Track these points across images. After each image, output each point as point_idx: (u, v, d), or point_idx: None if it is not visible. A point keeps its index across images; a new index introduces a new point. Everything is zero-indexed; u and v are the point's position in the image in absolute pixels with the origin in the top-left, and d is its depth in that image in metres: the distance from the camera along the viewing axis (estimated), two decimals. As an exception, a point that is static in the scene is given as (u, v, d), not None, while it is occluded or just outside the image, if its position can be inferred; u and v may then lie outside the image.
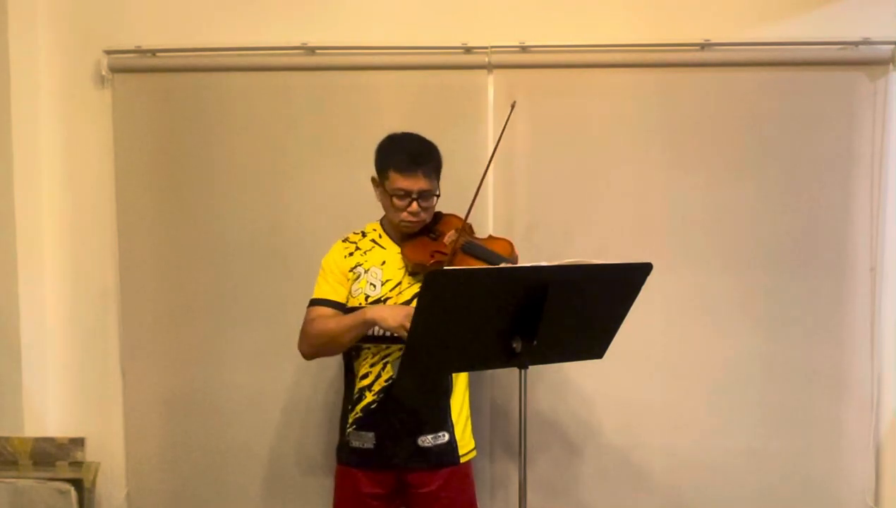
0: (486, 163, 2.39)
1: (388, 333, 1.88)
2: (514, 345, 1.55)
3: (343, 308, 1.97)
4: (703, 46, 2.39)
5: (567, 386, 2.46)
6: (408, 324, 1.71)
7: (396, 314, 1.80)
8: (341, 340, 1.90)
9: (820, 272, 2.41)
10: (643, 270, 1.60)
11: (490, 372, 2.45)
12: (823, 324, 2.42)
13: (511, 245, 2.00)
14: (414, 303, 1.87)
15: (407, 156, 1.91)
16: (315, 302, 1.98)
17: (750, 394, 2.44)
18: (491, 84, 2.43)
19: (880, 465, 2.44)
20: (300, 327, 1.98)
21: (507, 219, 2.45)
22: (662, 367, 2.45)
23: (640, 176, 2.43)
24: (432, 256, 1.90)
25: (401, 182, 1.90)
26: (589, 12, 2.44)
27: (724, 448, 2.45)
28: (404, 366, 1.62)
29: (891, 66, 2.37)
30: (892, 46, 2.35)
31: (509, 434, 2.46)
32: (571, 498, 2.47)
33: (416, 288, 1.92)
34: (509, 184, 2.44)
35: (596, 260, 1.57)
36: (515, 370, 1.60)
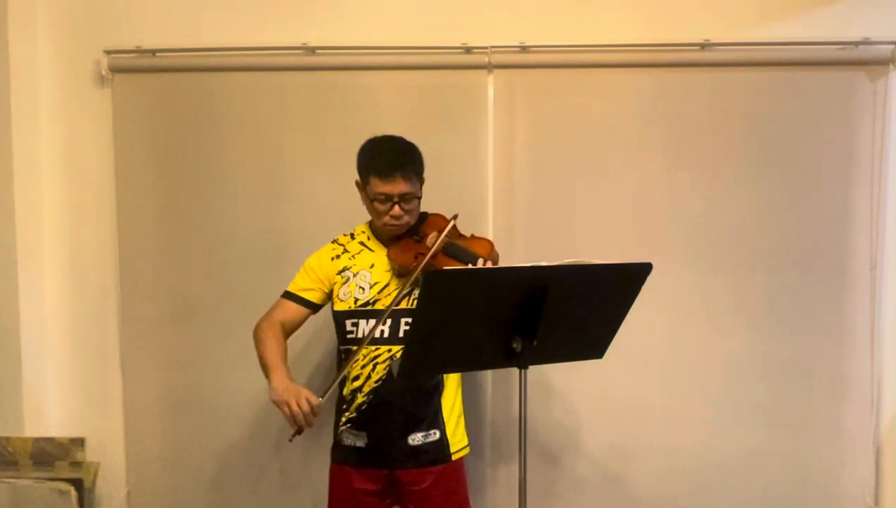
0: (488, 167, 2.41)
1: (375, 335, 1.92)
2: (514, 345, 1.55)
3: (311, 306, 2.03)
4: (703, 46, 2.39)
5: (566, 387, 2.46)
6: (292, 403, 1.78)
7: (285, 391, 1.82)
8: (260, 361, 1.99)
9: (820, 272, 2.41)
10: (643, 270, 1.60)
11: (489, 372, 2.45)
12: (823, 324, 2.42)
13: (491, 244, 2.01)
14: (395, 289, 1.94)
15: (386, 160, 1.92)
16: (285, 294, 2.05)
17: (750, 394, 2.44)
18: (491, 84, 2.43)
19: (880, 465, 2.44)
20: (298, 328, 2.07)
21: (506, 218, 2.45)
22: (662, 367, 2.45)
23: (640, 176, 2.43)
24: (415, 257, 1.92)
25: (381, 187, 1.91)
26: (589, 12, 2.44)
27: (724, 448, 2.45)
28: (405, 366, 1.62)
29: (891, 66, 2.37)
30: (892, 46, 2.35)
31: (505, 434, 2.46)
32: (570, 499, 2.47)
33: (395, 293, 1.94)
34: (509, 185, 2.44)
35: (596, 260, 1.57)
36: (513, 370, 1.60)
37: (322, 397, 1.84)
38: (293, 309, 2.03)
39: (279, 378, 1.88)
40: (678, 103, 2.42)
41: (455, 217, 1.97)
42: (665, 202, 2.43)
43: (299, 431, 1.83)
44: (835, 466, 2.43)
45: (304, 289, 2.03)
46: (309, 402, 1.79)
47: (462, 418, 2.05)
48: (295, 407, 1.78)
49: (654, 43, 2.41)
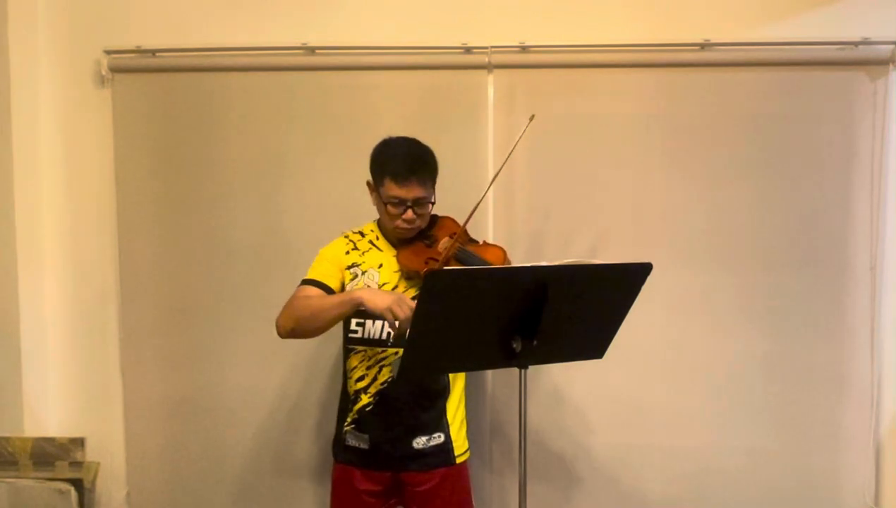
0: (488, 167, 2.40)
1: (382, 337, 1.90)
2: (514, 345, 1.55)
3: (332, 293, 1.94)
4: (703, 46, 2.39)
5: (566, 387, 2.46)
6: (396, 309, 1.71)
7: (385, 297, 1.75)
8: (324, 317, 1.84)
9: (820, 271, 2.41)
10: (643, 270, 1.60)
11: (489, 374, 2.45)
12: (823, 324, 2.42)
13: (504, 252, 1.99)
14: (405, 292, 1.90)
15: (402, 163, 1.88)
16: (306, 282, 1.95)
17: (750, 394, 2.44)
18: (491, 84, 2.43)
19: (880, 465, 2.44)
20: None
21: (506, 218, 2.45)
22: (662, 367, 2.44)
23: (640, 175, 2.43)
24: (426, 263, 1.90)
25: (396, 190, 1.88)
26: (589, 12, 2.44)
27: (724, 448, 2.45)
28: (405, 367, 1.62)
29: (891, 66, 2.37)
30: (892, 46, 2.35)
31: (507, 435, 2.46)
32: (570, 499, 2.47)
33: (412, 293, 1.91)
34: (509, 185, 2.44)
35: (596, 260, 1.58)
36: (513, 371, 1.60)
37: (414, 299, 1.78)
38: (313, 292, 1.92)
39: (365, 290, 1.82)
40: (678, 103, 2.42)
41: (532, 117, 1.87)
42: (665, 202, 2.43)
43: (401, 335, 1.80)
44: (835, 466, 2.43)
45: (325, 275, 1.95)
46: (409, 306, 1.71)
47: (465, 422, 2.05)
48: (401, 314, 1.71)
49: (654, 43, 2.41)
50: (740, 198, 2.42)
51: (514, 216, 2.45)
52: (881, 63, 2.37)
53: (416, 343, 1.54)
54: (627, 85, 2.42)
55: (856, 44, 2.36)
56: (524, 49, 2.42)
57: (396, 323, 1.73)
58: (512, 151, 1.90)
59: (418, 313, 1.50)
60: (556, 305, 1.51)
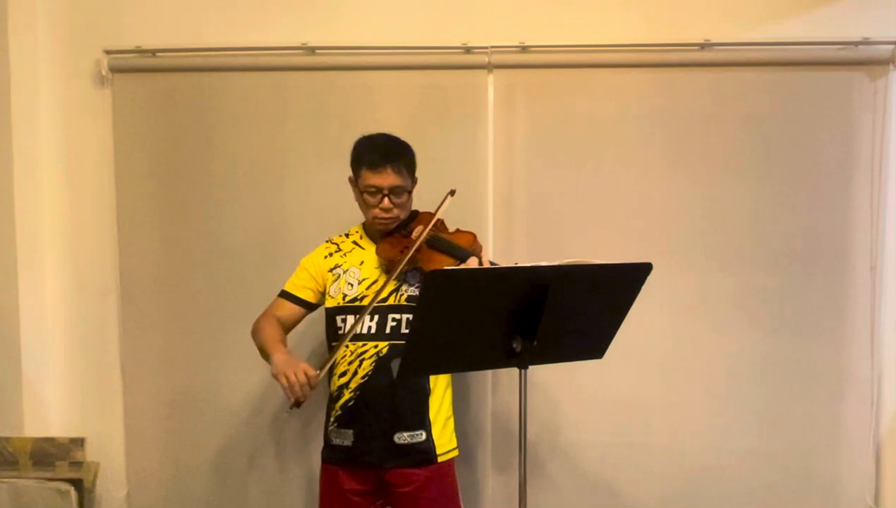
0: (488, 167, 2.41)
1: (362, 331, 1.94)
2: (514, 345, 1.55)
3: (305, 305, 2.06)
4: (703, 46, 2.39)
5: (566, 387, 2.46)
6: (289, 373, 1.79)
7: (286, 363, 1.83)
8: (264, 350, 1.98)
9: (820, 272, 2.41)
10: (643, 270, 1.60)
11: (488, 373, 2.45)
12: (823, 324, 2.42)
13: (474, 237, 2.03)
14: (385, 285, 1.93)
15: (377, 153, 1.95)
16: (281, 293, 2.09)
17: (750, 394, 2.44)
18: (491, 84, 2.43)
19: (880, 465, 2.44)
20: (295, 326, 2.09)
21: (506, 218, 2.45)
22: (662, 367, 2.45)
23: (640, 176, 2.43)
24: (401, 252, 1.94)
25: (371, 179, 1.94)
26: (589, 12, 2.44)
27: (724, 448, 2.45)
28: (405, 366, 1.62)
29: (891, 66, 2.37)
30: (892, 46, 2.35)
31: (503, 436, 2.46)
32: (569, 499, 2.47)
33: (392, 286, 1.95)
34: (509, 185, 2.44)
35: (596, 260, 1.57)
36: (511, 372, 1.60)
37: (320, 370, 1.85)
38: (288, 308, 2.05)
39: (279, 354, 1.90)
40: (678, 103, 2.42)
41: (452, 192, 1.96)
42: (665, 202, 2.43)
43: (297, 403, 1.85)
44: (835, 466, 2.43)
45: (299, 288, 2.06)
46: (306, 374, 1.80)
47: (451, 420, 2.05)
48: (293, 378, 1.79)
49: (654, 43, 2.41)
50: (740, 197, 2.42)
51: (514, 216, 2.45)
52: (881, 63, 2.37)
53: (417, 342, 1.54)
54: (627, 85, 2.42)
55: (856, 44, 2.36)
56: (524, 49, 2.42)
57: (290, 393, 1.80)
58: (439, 208, 1.95)
59: (418, 313, 1.50)
60: (556, 305, 1.51)
